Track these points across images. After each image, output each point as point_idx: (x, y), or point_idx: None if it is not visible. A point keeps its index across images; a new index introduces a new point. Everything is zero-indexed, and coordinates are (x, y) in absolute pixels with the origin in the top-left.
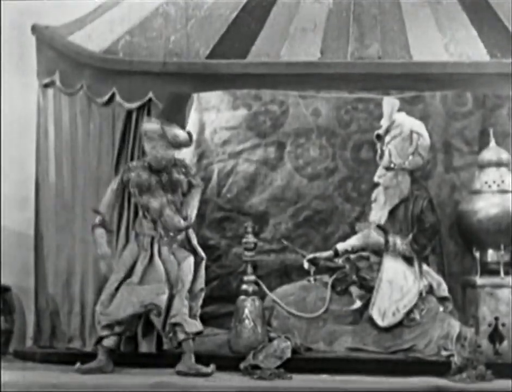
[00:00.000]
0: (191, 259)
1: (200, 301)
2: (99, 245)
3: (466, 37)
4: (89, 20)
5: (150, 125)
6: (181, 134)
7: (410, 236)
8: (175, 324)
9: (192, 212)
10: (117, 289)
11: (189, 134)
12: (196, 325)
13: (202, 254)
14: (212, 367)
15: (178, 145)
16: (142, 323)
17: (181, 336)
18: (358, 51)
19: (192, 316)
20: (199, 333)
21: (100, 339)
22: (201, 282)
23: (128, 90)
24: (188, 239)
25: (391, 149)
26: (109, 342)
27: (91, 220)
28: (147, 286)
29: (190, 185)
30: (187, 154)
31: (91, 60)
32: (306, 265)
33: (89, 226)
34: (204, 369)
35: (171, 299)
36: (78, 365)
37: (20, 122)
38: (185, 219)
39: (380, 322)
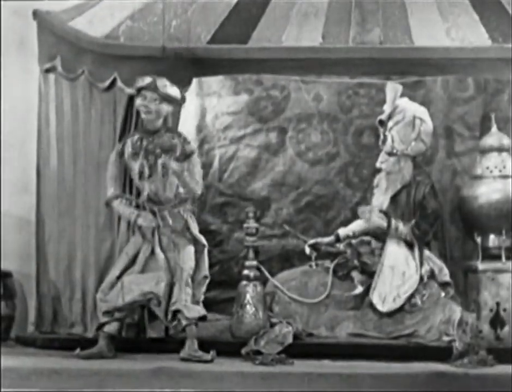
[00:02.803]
0: (191, 247)
1: (203, 289)
2: (126, 213)
3: (468, 22)
4: (89, 5)
5: (142, 80)
6: (171, 87)
7: (413, 222)
8: (176, 311)
9: (193, 185)
10: (118, 278)
11: (181, 92)
12: (198, 311)
13: (204, 241)
14: (212, 353)
15: (168, 97)
16: (148, 309)
17: (184, 322)
18: (360, 36)
19: (194, 302)
20: (202, 318)
21: (101, 325)
22: (204, 270)
23: (130, 75)
24: (187, 227)
25: (393, 135)
26: (109, 327)
27: (95, 205)
28: (147, 275)
29: (185, 155)
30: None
31: (92, 45)
32: (307, 250)
33: (90, 211)
34: (205, 356)
35: (171, 287)
36: (77, 350)
37: (22, 107)
38: (188, 193)
39: (380, 307)
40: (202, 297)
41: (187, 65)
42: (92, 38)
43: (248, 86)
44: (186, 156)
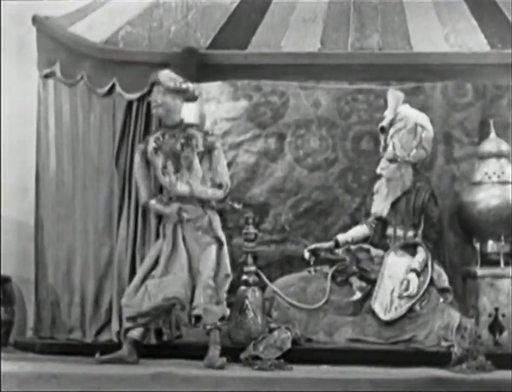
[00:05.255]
0: (213, 246)
1: (226, 287)
2: (167, 210)
3: (466, 28)
4: (89, 11)
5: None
6: (175, 79)
7: (420, 232)
8: (197, 317)
9: (224, 177)
10: (143, 281)
11: (185, 83)
12: (216, 314)
13: (223, 238)
14: (222, 360)
15: (170, 88)
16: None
17: (207, 327)
18: (359, 42)
19: (216, 303)
20: (222, 319)
21: (125, 330)
22: (225, 269)
23: (129, 81)
24: (210, 222)
25: (395, 142)
26: (133, 333)
27: (94, 210)
28: (170, 278)
29: (207, 147)
30: None
31: (91, 50)
32: (306, 256)
33: (89, 216)
34: (217, 363)
35: (194, 289)
36: (97, 355)
37: (21, 113)
38: (220, 187)
39: (382, 316)
40: (225, 296)
41: (186, 70)
42: (92, 43)
43: (247, 92)
44: (208, 149)
